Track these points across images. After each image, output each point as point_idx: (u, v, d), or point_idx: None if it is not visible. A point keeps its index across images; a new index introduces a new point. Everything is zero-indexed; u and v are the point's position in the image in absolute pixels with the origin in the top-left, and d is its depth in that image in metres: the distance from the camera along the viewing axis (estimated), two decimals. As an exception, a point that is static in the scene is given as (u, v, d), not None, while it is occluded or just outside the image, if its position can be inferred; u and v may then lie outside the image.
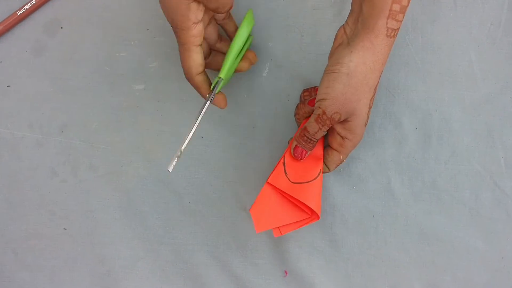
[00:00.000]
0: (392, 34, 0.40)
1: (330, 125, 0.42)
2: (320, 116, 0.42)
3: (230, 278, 0.52)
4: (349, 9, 0.52)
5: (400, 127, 0.52)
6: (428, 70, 0.52)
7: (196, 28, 0.43)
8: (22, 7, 0.54)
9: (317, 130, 0.43)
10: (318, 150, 0.47)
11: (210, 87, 0.46)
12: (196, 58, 0.44)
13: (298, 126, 0.50)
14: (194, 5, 0.41)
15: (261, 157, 0.53)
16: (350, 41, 0.41)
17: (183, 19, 0.42)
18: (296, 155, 0.45)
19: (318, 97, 0.42)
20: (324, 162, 0.47)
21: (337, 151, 0.45)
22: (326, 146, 0.47)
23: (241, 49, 0.48)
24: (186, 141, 0.43)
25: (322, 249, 0.52)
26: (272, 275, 0.52)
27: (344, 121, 0.43)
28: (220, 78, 0.45)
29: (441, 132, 0.52)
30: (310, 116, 0.46)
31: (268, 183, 0.46)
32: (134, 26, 0.54)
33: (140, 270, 0.53)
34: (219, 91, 0.47)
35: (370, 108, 0.43)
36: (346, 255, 0.52)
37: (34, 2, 0.54)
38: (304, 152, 0.45)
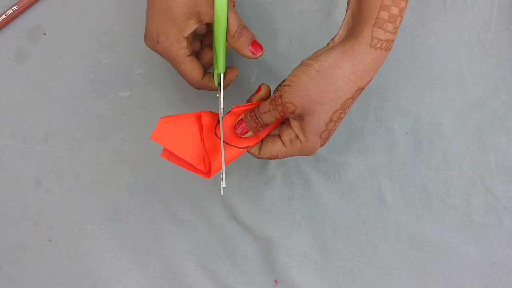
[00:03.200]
0: (378, 45, 0.37)
1: (282, 114, 0.40)
2: (276, 99, 0.40)
3: (220, 288, 0.52)
4: (338, 13, 0.52)
5: (390, 132, 0.51)
6: (418, 74, 0.52)
7: (184, 41, 0.42)
8: (4, 13, 0.52)
9: (267, 110, 0.40)
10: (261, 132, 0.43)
11: (216, 78, 0.45)
12: (194, 67, 0.43)
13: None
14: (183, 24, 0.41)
15: (250, 165, 0.52)
16: (334, 44, 0.39)
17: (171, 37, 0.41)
18: (237, 128, 0.42)
19: (282, 83, 0.40)
20: (261, 145, 0.43)
21: (283, 144, 0.42)
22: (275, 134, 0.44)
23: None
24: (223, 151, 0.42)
25: (312, 257, 0.51)
26: (262, 285, 0.51)
27: (300, 119, 0.40)
28: (219, 73, 0.44)
29: (432, 137, 0.51)
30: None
31: (199, 115, 0.43)
32: (119, 32, 0.53)
33: (128, 282, 0.52)
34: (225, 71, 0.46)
35: (331, 121, 0.39)
36: (337, 263, 0.51)
37: (16, 8, 0.53)
38: (245, 129, 0.42)
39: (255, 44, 0.43)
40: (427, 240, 0.51)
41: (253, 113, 0.41)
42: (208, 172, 0.42)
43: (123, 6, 0.53)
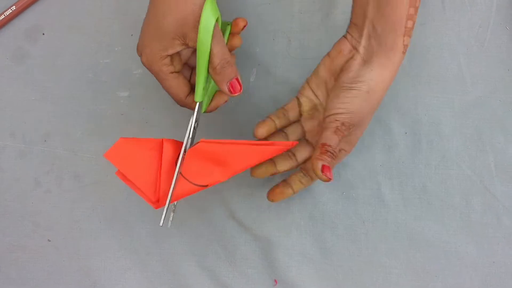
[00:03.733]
0: (405, 51, 0.40)
1: (344, 137, 0.41)
2: (339, 128, 0.40)
3: (219, 288, 0.52)
4: (337, 13, 0.52)
5: (389, 132, 0.52)
6: (417, 73, 0.52)
7: (167, 58, 0.41)
8: (2, 13, 0.52)
9: (337, 141, 0.40)
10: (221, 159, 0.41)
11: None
12: (179, 84, 0.43)
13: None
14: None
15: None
16: (366, 58, 0.40)
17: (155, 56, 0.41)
18: (328, 175, 0.39)
19: (332, 111, 0.41)
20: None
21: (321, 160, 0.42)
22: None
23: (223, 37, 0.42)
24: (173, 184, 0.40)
25: (312, 257, 0.51)
26: (261, 284, 0.51)
27: (350, 134, 0.42)
28: (196, 102, 0.42)
29: (431, 137, 0.51)
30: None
31: (161, 142, 0.41)
32: (118, 32, 0.53)
33: (127, 282, 0.52)
34: (211, 98, 0.45)
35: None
36: (336, 262, 0.51)
37: (14, 8, 0.53)
38: (329, 169, 0.40)
39: (234, 83, 0.41)
40: (426, 239, 0.51)
41: (329, 153, 0.40)
42: (156, 202, 0.41)
43: (122, 6, 0.53)
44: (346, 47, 0.42)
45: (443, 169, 0.51)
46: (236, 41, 0.45)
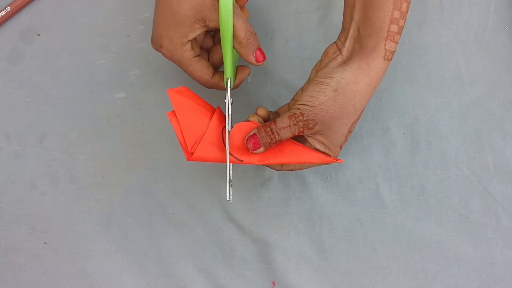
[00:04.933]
0: (389, 57, 0.39)
1: (301, 130, 0.40)
2: (296, 116, 0.39)
3: (217, 290, 0.51)
4: (334, 13, 0.52)
5: (388, 132, 0.51)
6: (416, 73, 0.51)
7: (188, 44, 0.42)
8: (-3, 14, 0.52)
9: (286, 125, 0.40)
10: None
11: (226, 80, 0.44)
12: (202, 67, 0.43)
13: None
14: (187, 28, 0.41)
15: (247, 166, 0.52)
16: (346, 60, 0.40)
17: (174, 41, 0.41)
18: (249, 142, 0.41)
19: (298, 102, 0.40)
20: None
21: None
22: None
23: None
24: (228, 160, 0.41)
25: (310, 258, 0.51)
26: (259, 286, 0.51)
27: (319, 135, 0.41)
28: (227, 78, 0.43)
29: (429, 137, 0.51)
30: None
31: (213, 110, 0.43)
32: (114, 32, 0.52)
33: (124, 284, 0.51)
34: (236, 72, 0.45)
35: (350, 132, 0.41)
36: (334, 264, 0.51)
37: (9, 9, 0.52)
38: (258, 144, 0.40)
39: (259, 53, 0.43)
40: (425, 240, 0.50)
41: (268, 129, 0.40)
42: (190, 154, 0.42)
43: (118, 7, 0.52)
44: (332, 49, 0.41)
45: (442, 169, 0.51)
46: (245, 13, 0.46)
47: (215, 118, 0.42)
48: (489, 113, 0.51)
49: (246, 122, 0.42)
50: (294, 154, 0.42)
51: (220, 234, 0.52)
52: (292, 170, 0.44)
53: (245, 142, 0.41)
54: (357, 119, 0.41)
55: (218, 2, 0.40)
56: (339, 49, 0.40)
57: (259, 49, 0.43)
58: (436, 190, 0.51)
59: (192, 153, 0.42)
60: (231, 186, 0.42)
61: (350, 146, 0.51)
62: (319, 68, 0.41)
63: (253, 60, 0.43)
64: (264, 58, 0.43)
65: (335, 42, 0.42)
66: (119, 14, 0.52)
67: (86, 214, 0.52)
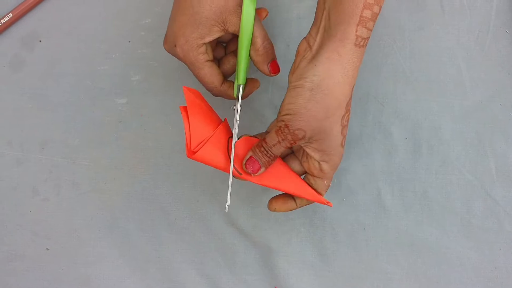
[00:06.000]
0: (361, 43, 0.36)
1: (293, 142, 0.38)
2: (282, 129, 0.38)
3: (219, 296, 0.51)
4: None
5: (389, 137, 0.51)
6: (417, 78, 0.51)
7: (203, 47, 0.42)
8: (-1, 20, 0.52)
9: (275, 142, 0.39)
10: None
11: (235, 88, 0.44)
12: (213, 72, 0.43)
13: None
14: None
15: (242, 187, 0.51)
16: (315, 54, 0.37)
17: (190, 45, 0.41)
18: (248, 167, 0.40)
19: (280, 113, 0.38)
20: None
21: (319, 178, 0.41)
22: (303, 175, 0.44)
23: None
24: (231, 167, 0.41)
25: (312, 263, 0.51)
26: (262, 292, 0.51)
27: (314, 141, 0.39)
28: (239, 84, 0.43)
29: (431, 142, 0.51)
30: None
31: (220, 120, 0.43)
32: (115, 38, 0.52)
33: (126, 290, 0.52)
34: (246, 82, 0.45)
35: (344, 126, 0.39)
36: (337, 269, 0.51)
37: (11, 16, 0.52)
38: (257, 166, 0.40)
39: (274, 63, 0.43)
40: (428, 245, 0.50)
41: (261, 148, 0.40)
42: (192, 153, 0.41)
43: (119, 13, 0.53)
44: (303, 47, 0.39)
45: (444, 174, 0.51)
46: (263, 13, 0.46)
47: (222, 126, 0.42)
48: (491, 117, 0.51)
49: (253, 137, 0.42)
50: (291, 185, 0.42)
51: (222, 239, 0.52)
52: (286, 211, 0.44)
53: (244, 167, 0.41)
54: (346, 112, 0.38)
55: (241, 8, 0.40)
56: (309, 45, 0.38)
57: (274, 60, 0.43)
58: (438, 195, 0.51)
59: (195, 152, 0.41)
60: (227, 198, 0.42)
61: (351, 151, 0.51)
62: (293, 71, 0.39)
63: (266, 69, 0.43)
64: (279, 70, 0.43)
65: (305, 37, 0.39)
66: (121, 20, 0.52)
67: (88, 220, 0.52)
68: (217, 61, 0.47)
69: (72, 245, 0.52)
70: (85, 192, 0.52)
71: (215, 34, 0.41)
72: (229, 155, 0.41)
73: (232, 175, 0.42)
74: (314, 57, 0.37)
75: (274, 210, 0.44)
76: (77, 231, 0.52)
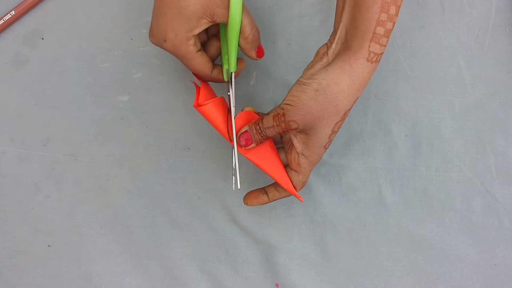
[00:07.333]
0: (374, 59, 0.39)
1: (285, 130, 0.41)
2: (279, 116, 0.41)
3: (221, 292, 0.51)
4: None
5: (390, 134, 0.52)
6: (417, 76, 0.52)
7: (193, 39, 0.42)
8: (1, 18, 0.52)
9: (270, 125, 0.42)
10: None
11: (224, 72, 0.46)
12: (203, 61, 0.44)
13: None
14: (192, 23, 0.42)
15: (248, 168, 0.52)
16: (330, 61, 0.40)
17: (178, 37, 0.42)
18: (241, 139, 0.43)
19: (283, 102, 0.41)
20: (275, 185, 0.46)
21: (296, 171, 0.43)
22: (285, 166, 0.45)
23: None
24: (235, 146, 0.43)
25: (313, 260, 0.51)
26: (263, 288, 0.51)
27: (302, 133, 0.41)
28: (231, 72, 0.45)
29: (431, 139, 0.51)
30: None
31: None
32: (118, 36, 0.53)
33: (128, 286, 0.52)
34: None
35: (333, 132, 0.41)
36: (338, 266, 0.51)
37: (13, 13, 0.52)
38: (250, 140, 0.43)
39: (260, 48, 0.45)
40: (428, 242, 0.51)
41: (257, 126, 0.43)
42: (198, 104, 0.44)
43: (121, 10, 0.53)
44: (322, 50, 0.42)
45: (444, 171, 0.51)
46: None
47: (223, 98, 0.45)
48: (491, 115, 0.51)
49: (255, 113, 0.44)
50: (272, 168, 0.45)
51: (223, 236, 0.52)
52: (257, 205, 0.47)
53: (237, 138, 0.43)
54: (341, 120, 0.41)
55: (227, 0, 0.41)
56: (327, 51, 0.41)
57: (260, 45, 0.45)
58: (439, 192, 0.51)
59: (201, 105, 0.44)
60: (233, 175, 0.44)
61: (352, 148, 0.52)
62: (308, 68, 0.42)
63: (254, 55, 0.45)
64: (264, 53, 0.46)
65: (326, 42, 0.42)
66: (123, 18, 0.53)
67: (90, 217, 0.52)
68: (202, 45, 0.47)
69: (74, 242, 0.52)
70: (87, 189, 0.52)
71: (204, 26, 0.42)
72: (228, 128, 0.44)
73: (228, 142, 0.44)
74: (329, 64, 0.40)
75: (247, 204, 0.47)
76: (79, 228, 0.52)
